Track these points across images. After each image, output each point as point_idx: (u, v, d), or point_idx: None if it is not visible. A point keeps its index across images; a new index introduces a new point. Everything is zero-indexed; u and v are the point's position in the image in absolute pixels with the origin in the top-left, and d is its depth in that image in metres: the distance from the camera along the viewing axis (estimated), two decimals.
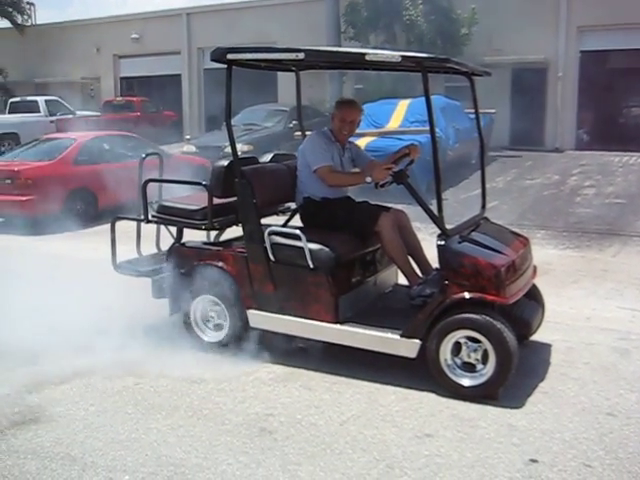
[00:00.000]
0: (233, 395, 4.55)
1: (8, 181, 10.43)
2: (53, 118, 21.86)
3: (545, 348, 5.31)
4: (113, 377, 4.87)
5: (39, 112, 22.30)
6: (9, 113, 22.76)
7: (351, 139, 5.63)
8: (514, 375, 4.38)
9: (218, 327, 5.30)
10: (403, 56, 4.40)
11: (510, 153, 18.10)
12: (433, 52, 16.59)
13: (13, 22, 28.02)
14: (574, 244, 9.16)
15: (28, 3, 29.06)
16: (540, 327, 5.27)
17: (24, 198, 10.21)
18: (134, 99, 24.57)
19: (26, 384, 4.75)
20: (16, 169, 10.59)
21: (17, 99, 23.60)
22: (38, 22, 29.92)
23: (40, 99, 22.96)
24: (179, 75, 26.50)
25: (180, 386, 4.70)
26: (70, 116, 22.55)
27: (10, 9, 27.88)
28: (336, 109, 5.40)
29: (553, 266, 7.83)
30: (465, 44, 19.30)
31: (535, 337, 5.30)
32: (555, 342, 5.42)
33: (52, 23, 29.71)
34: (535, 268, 5.26)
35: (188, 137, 19.23)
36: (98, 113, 23.76)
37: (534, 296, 5.24)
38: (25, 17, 28.89)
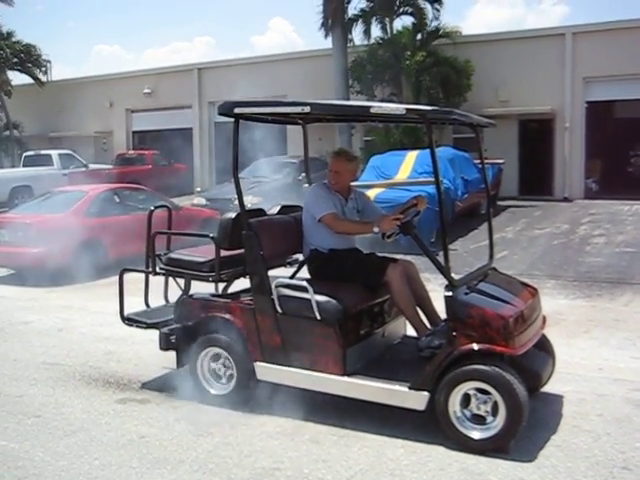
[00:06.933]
0: (240, 449, 4.49)
1: (20, 233, 10.52)
2: (66, 171, 22.19)
3: (557, 400, 5.22)
4: (118, 430, 4.82)
5: (52, 165, 22.64)
6: (23, 166, 23.12)
7: (361, 190, 5.65)
8: (525, 428, 4.31)
9: (225, 379, 5.25)
10: (407, 109, 4.47)
11: (519, 203, 18.15)
12: (437, 102, 16.88)
13: (34, 78, 28.65)
14: (585, 294, 9.09)
15: (44, 60, 29.75)
16: (551, 378, 5.20)
17: (35, 250, 10.27)
18: (146, 152, 24.92)
19: (30, 437, 4.71)
20: (28, 221, 10.70)
21: (31, 153, 23.99)
22: (54, 78, 30.60)
23: (54, 153, 23.34)
24: (190, 129, 26.93)
25: (186, 439, 4.64)
26: (83, 169, 22.89)
27: (29, 65, 28.55)
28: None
29: (564, 316, 7.76)
30: (468, 92, 19.62)
31: (546, 388, 5.22)
32: (567, 393, 5.34)
33: (67, 79, 30.40)
34: (545, 318, 5.22)
35: (199, 189, 19.44)
36: (110, 166, 24.09)
37: (544, 347, 5.18)
38: (43, 70, 29.52)
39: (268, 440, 4.61)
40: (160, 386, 5.66)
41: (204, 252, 5.51)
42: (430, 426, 4.52)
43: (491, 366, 4.28)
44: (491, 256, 5.46)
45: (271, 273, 5.16)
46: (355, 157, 5.56)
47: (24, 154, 24.26)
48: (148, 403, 5.36)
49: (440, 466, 4.19)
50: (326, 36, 20.85)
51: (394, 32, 20.89)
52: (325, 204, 5.18)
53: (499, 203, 17.44)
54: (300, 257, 5.77)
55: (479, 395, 4.34)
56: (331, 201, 5.24)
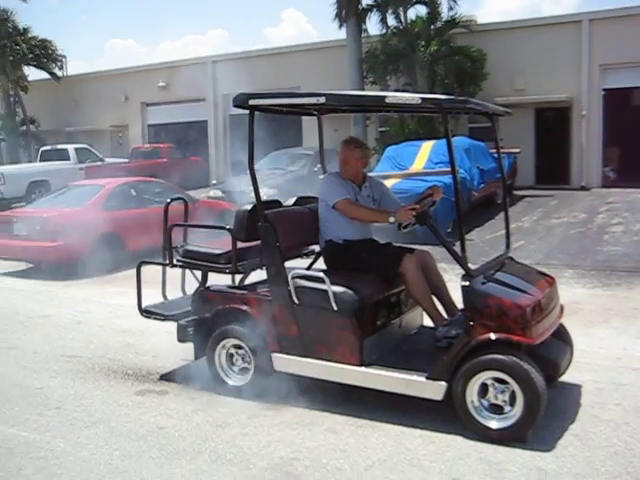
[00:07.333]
0: (258, 439, 4.51)
1: (38, 227, 10.60)
2: (82, 165, 22.31)
3: (575, 389, 5.20)
4: (137, 421, 4.86)
5: (69, 160, 22.77)
6: (40, 161, 23.28)
7: (380, 180, 5.62)
8: (543, 417, 4.30)
9: (242, 371, 5.28)
10: (423, 98, 4.45)
11: (536, 192, 18.03)
12: (452, 92, 16.73)
13: (50, 73, 28.81)
14: (603, 283, 9.03)
15: (60, 55, 29.87)
16: (569, 367, 5.17)
17: (53, 244, 10.34)
18: (161, 145, 24.99)
19: (51, 428, 4.77)
20: (45, 215, 10.77)
21: (48, 147, 24.14)
22: (69, 73, 30.71)
23: (70, 147, 23.47)
24: (205, 121, 26.97)
25: (204, 430, 4.67)
26: (99, 163, 23.02)
27: (45, 60, 28.70)
28: None
29: (582, 305, 7.71)
30: (484, 81, 19.50)
31: (565, 378, 5.19)
32: (585, 383, 5.32)
33: (82, 74, 30.52)
34: (562, 307, 5.19)
35: (214, 182, 19.47)
36: (126, 160, 24.20)
37: (562, 336, 5.16)
38: (59, 65, 29.64)
39: (286, 430, 4.64)
40: (178, 377, 5.70)
41: (221, 244, 5.52)
42: (448, 416, 4.52)
43: (509, 356, 4.27)
44: (508, 245, 5.44)
45: (288, 264, 5.17)
46: (362, 144, 5.52)
47: (41, 149, 24.42)
48: (166, 394, 5.40)
49: (458, 455, 4.20)
50: (340, 27, 20.79)
51: (408, 22, 20.77)
52: (339, 190, 5.20)
53: (515, 192, 17.34)
54: (316, 248, 5.78)
55: (497, 385, 4.33)
56: (344, 188, 5.24)
